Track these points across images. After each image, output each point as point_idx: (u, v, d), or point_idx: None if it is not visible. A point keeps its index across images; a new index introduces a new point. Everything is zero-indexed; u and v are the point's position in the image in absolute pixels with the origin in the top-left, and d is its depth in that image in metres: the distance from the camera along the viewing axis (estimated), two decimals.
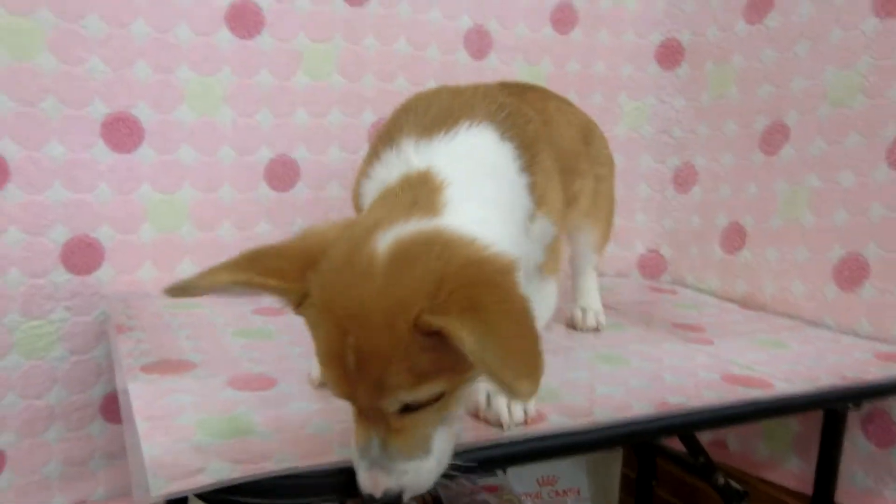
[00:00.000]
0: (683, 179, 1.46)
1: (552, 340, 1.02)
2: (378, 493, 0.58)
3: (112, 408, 1.14)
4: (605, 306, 1.14)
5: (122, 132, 1.09)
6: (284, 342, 0.93)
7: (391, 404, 0.57)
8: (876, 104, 1.13)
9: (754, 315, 1.25)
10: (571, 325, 1.10)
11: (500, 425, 0.71)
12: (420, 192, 0.65)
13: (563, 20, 1.40)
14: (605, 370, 0.90)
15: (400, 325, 0.55)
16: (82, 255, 1.09)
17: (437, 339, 0.54)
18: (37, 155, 1.04)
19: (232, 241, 1.19)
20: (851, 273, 1.15)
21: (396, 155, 0.71)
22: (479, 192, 0.68)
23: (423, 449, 0.59)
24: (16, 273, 1.05)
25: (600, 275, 1.53)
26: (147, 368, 0.80)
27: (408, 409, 0.58)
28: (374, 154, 0.75)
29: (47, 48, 1.03)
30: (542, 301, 0.86)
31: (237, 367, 0.83)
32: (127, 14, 1.07)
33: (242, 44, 1.15)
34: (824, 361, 0.99)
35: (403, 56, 1.27)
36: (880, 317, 1.11)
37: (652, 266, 1.51)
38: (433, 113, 0.74)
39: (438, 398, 0.59)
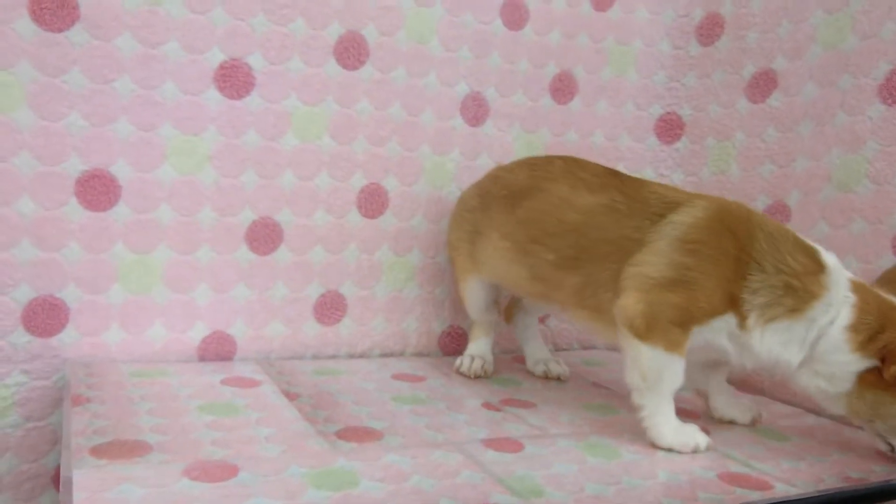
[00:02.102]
0: None
1: (536, 424, 0.97)
2: None
3: None
4: (597, 385, 1.09)
5: (97, 190, 1.05)
6: (252, 420, 0.87)
7: None
8: (881, 190, 1.10)
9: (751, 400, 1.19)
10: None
11: None
12: None
13: (563, 90, 1.38)
14: (594, 464, 0.84)
15: None
16: (45, 316, 1.03)
17: None
18: (5, 211, 1.00)
19: (205, 304, 1.14)
20: None
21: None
22: None
23: None
24: None
25: (588, 348, 1.49)
26: (97, 451, 0.74)
27: None
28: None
29: (26, 103, 0.99)
30: None
31: (197, 451, 0.77)
32: (111, 71, 1.04)
33: (230, 104, 1.11)
34: (827, 458, 0.94)
35: (397, 121, 1.24)
36: None
37: None
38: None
39: None
